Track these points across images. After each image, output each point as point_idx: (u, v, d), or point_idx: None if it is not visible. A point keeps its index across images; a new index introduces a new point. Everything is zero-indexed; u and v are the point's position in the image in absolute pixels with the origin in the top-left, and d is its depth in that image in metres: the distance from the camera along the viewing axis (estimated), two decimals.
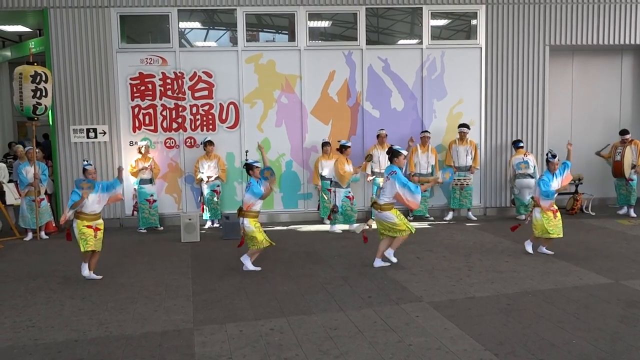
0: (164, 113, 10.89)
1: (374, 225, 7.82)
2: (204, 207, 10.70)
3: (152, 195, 10.48)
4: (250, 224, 7.31)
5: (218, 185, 10.71)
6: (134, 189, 10.53)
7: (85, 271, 7.13)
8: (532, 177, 10.43)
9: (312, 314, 5.82)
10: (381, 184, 10.32)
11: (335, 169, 9.84)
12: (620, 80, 12.37)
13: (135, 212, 10.56)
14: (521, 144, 10.86)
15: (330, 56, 11.11)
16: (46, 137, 15.02)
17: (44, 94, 9.74)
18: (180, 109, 10.90)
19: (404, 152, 7.52)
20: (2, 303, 6.38)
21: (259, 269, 7.42)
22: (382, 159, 10.63)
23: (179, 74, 10.84)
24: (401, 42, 11.94)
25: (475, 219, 11.09)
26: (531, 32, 11.34)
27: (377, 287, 6.72)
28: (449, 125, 11.28)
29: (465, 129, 10.92)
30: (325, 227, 10.58)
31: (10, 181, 10.51)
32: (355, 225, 9.93)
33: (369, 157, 10.61)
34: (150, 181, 10.48)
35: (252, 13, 11.05)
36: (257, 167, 7.40)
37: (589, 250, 8.38)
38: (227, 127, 11.03)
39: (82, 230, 6.98)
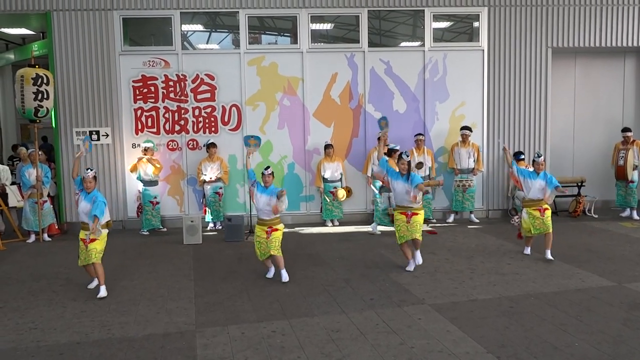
0: (166, 115, 10.91)
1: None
2: (206, 209, 10.71)
3: (155, 197, 10.50)
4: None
5: (220, 188, 10.72)
6: (138, 190, 10.54)
7: (92, 284, 6.97)
8: None
9: (314, 316, 5.82)
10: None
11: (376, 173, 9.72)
12: (622, 82, 12.35)
13: (139, 214, 10.58)
14: (522, 156, 10.79)
15: (332, 58, 11.12)
16: (45, 139, 15.03)
17: (45, 96, 9.76)
18: (183, 111, 10.92)
19: (404, 157, 7.50)
20: (5, 305, 6.39)
21: (270, 275, 7.35)
22: None
23: (181, 77, 10.86)
24: (403, 44, 11.94)
25: (477, 221, 11.08)
26: (533, 34, 11.34)
27: (379, 289, 6.72)
28: (451, 128, 11.27)
29: (467, 132, 10.92)
30: (327, 229, 10.59)
31: (13, 183, 10.53)
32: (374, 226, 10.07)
33: (420, 165, 10.56)
34: (155, 183, 10.49)
35: (254, 15, 11.07)
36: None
37: (591, 252, 8.36)
38: (230, 130, 11.04)
39: (80, 243, 6.78)
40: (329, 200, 10.82)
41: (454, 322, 5.55)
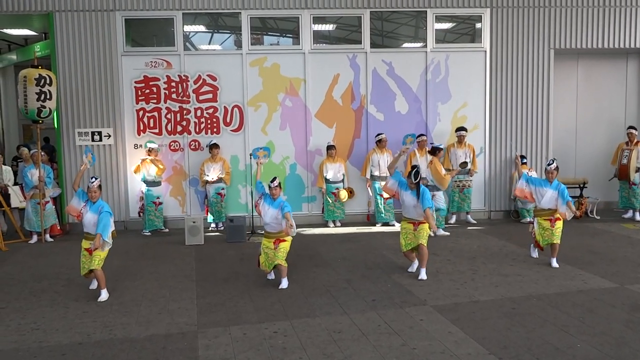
0: (168, 116, 10.92)
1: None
2: (208, 209, 10.71)
3: (158, 198, 10.52)
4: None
5: (223, 188, 10.72)
6: (141, 190, 10.55)
7: (92, 285, 6.97)
8: None
9: (316, 317, 5.82)
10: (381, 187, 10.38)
11: (435, 173, 9.63)
12: (625, 83, 12.33)
13: (141, 214, 10.59)
14: (525, 160, 10.79)
15: (334, 59, 11.12)
16: (47, 140, 15.06)
17: (48, 96, 9.77)
18: (185, 112, 10.93)
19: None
20: (7, 305, 6.40)
21: (271, 277, 7.32)
22: (382, 163, 10.64)
23: (183, 77, 10.87)
24: (405, 45, 11.94)
25: (474, 222, 11.07)
26: (536, 35, 11.33)
27: (380, 290, 6.71)
28: (453, 129, 11.24)
29: (463, 132, 10.91)
30: (329, 229, 10.59)
31: (15, 184, 10.54)
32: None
33: (464, 164, 10.55)
34: (158, 183, 10.50)
35: (256, 16, 11.07)
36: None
37: (593, 254, 8.35)
38: (232, 130, 11.04)
39: (82, 253, 6.72)
40: (331, 201, 10.82)
41: (455, 324, 5.54)
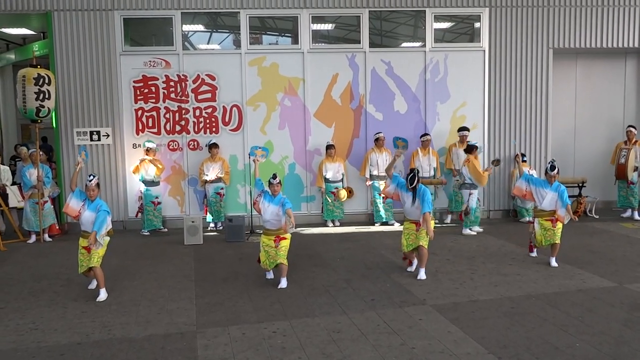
0: (167, 116, 10.91)
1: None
2: (207, 209, 10.70)
3: (157, 198, 10.51)
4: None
5: (222, 188, 10.72)
6: (140, 190, 10.54)
7: (91, 285, 6.96)
8: None
9: (315, 317, 5.81)
10: (381, 187, 10.38)
11: (473, 171, 9.63)
12: (624, 83, 12.34)
13: (139, 214, 10.58)
14: (525, 159, 10.79)
15: (333, 59, 11.12)
16: (44, 140, 15.02)
17: (47, 96, 9.76)
18: (184, 111, 10.92)
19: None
20: (6, 305, 6.39)
21: (270, 276, 7.32)
22: (380, 162, 10.64)
23: (182, 77, 10.86)
24: (404, 45, 11.94)
25: None
26: (535, 35, 11.34)
27: (380, 290, 6.71)
28: (452, 128, 11.25)
29: (466, 132, 10.91)
30: (328, 229, 10.59)
31: (13, 183, 10.53)
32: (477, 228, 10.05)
33: (497, 162, 10.55)
34: (157, 183, 10.49)
35: (255, 16, 11.06)
36: None
37: (592, 253, 8.35)
38: (230, 130, 11.03)
39: (80, 251, 6.69)
40: (330, 201, 10.81)
41: (455, 323, 5.54)
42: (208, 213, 10.70)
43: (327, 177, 10.77)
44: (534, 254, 8.13)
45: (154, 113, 10.88)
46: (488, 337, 5.18)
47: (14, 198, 10.26)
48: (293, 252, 8.34)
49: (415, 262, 7.49)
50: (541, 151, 11.50)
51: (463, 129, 10.94)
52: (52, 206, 10.35)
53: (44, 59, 11.07)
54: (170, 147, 10.95)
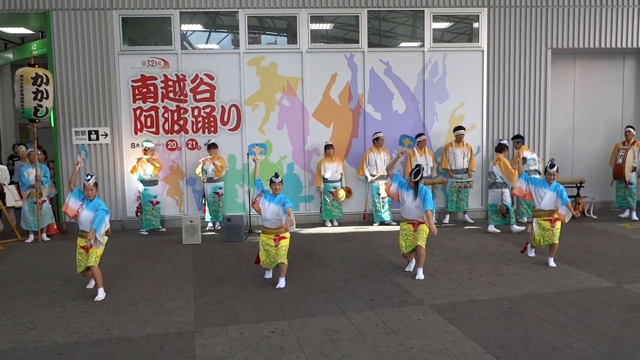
0: (165, 115, 10.90)
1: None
2: (206, 209, 10.70)
3: (155, 197, 10.50)
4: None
5: (220, 188, 10.71)
6: (138, 190, 10.53)
7: (89, 285, 6.96)
8: (539, 173, 10.32)
9: (313, 317, 5.81)
10: (381, 187, 10.39)
11: (504, 169, 9.66)
12: (622, 83, 12.35)
13: (138, 214, 10.57)
14: (521, 140, 10.83)
15: (332, 59, 11.12)
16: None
17: (45, 96, 9.74)
18: (182, 111, 10.91)
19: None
20: (4, 305, 6.38)
21: (269, 276, 7.30)
22: (379, 162, 10.64)
23: (180, 76, 10.85)
24: (403, 44, 11.94)
25: (472, 221, 11.08)
26: (533, 35, 11.34)
27: (378, 289, 6.71)
28: (451, 128, 11.25)
29: (462, 131, 10.92)
30: (327, 229, 10.59)
31: (11, 183, 10.51)
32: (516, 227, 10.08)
33: (524, 160, 10.57)
34: (155, 183, 10.49)
35: (253, 15, 11.06)
36: None
37: (590, 253, 8.36)
38: (229, 130, 11.03)
39: (78, 251, 6.67)
40: (328, 201, 10.81)
41: (453, 323, 5.55)
42: (206, 213, 10.69)
43: (326, 176, 10.77)
44: (532, 254, 8.13)
45: (153, 112, 10.87)
46: (486, 337, 5.19)
47: (12, 197, 10.25)
48: (291, 252, 8.33)
49: (411, 262, 7.48)
50: (540, 151, 11.50)
51: (459, 128, 10.95)
52: (50, 206, 10.34)
53: (42, 58, 11.05)
54: (169, 146, 10.94)
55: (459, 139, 10.93)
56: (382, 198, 10.70)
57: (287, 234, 7.00)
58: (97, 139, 10.77)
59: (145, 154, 10.39)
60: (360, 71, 11.15)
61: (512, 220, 10.02)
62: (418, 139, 10.91)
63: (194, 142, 10.97)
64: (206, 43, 11.61)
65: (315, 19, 11.14)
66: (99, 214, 6.48)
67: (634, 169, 10.95)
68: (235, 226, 9.69)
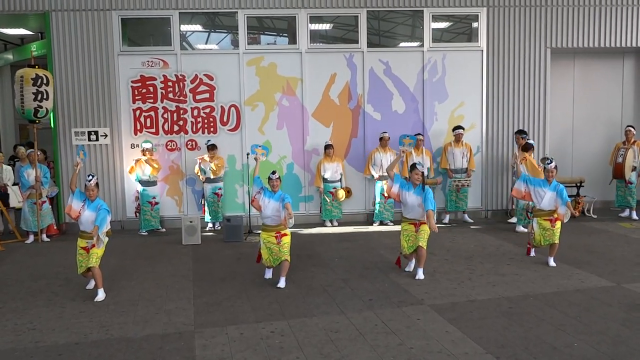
0: (165, 116, 10.90)
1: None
2: (205, 209, 10.70)
3: (154, 198, 10.49)
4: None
5: (219, 188, 10.71)
6: (137, 190, 10.53)
7: (89, 285, 6.96)
8: None
9: (313, 317, 5.81)
10: (384, 187, 10.38)
11: (532, 168, 9.54)
12: (621, 83, 12.36)
13: (137, 214, 10.57)
14: (525, 135, 10.70)
15: (331, 59, 11.12)
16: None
17: (45, 96, 9.75)
18: (182, 111, 10.91)
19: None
20: (4, 305, 6.38)
21: (268, 276, 7.30)
22: (384, 162, 10.64)
23: (180, 77, 10.85)
24: (402, 44, 11.94)
25: (471, 221, 11.08)
26: (532, 34, 11.35)
27: (378, 289, 6.71)
28: (450, 128, 11.25)
29: (461, 131, 10.93)
30: (327, 229, 10.59)
31: (14, 184, 10.51)
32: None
33: (545, 159, 10.55)
34: (153, 183, 10.49)
35: (253, 16, 11.06)
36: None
37: (590, 253, 8.36)
38: (229, 130, 11.03)
39: (78, 252, 6.67)
40: (328, 201, 10.82)
41: (453, 323, 5.54)
42: (206, 213, 10.69)
43: (326, 177, 10.77)
44: (532, 254, 8.13)
45: (152, 113, 10.87)
46: (486, 337, 5.19)
47: (15, 198, 10.25)
48: (291, 252, 8.33)
49: (413, 261, 7.48)
50: (539, 151, 11.50)
51: (458, 127, 10.96)
52: (50, 206, 10.34)
53: (41, 59, 11.05)
54: (169, 147, 10.94)
55: (457, 139, 10.93)
56: (385, 199, 10.70)
57: (288, 232, 7.00)
58: (97, 139, 10.77)
59: (144, 155, 10.39)
60: (360, 71, 11.15)
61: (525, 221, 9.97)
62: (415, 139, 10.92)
63: (193, 143, 10.97)
64: (205, 43, 11.62)
65: (314, 19, 11.14)
66: (101, 213, 6.50)
67: (634, 169, 10.94)
68: (235, 226, 9.69)
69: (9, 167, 10.59)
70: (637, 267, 7.52)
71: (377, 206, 10.90)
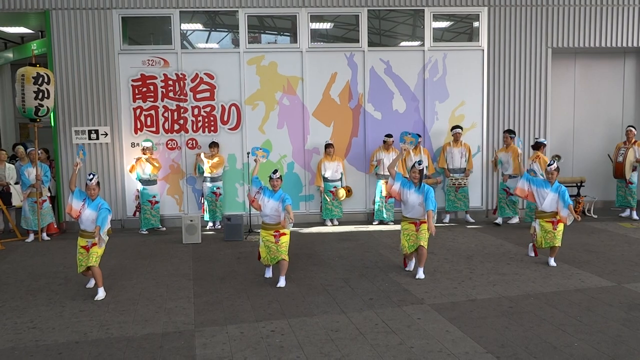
0: (165, 114, 10.90)
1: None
2: (205, 208, 10.70)
3: (154, 197, 10.49)
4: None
5: (218, 187, 10.71)
6: (137, 189, 10.53)
7: (89, 284, 6.97)
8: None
9: (313, 316, 5.81)
10: (384, 187, 10.38)
11: (544, 165, 9.42)
12: (622, 82, 12.35)
13: (137, 213, 10.57)
14: (513, 136, 10.61)
15: (332, 58, 11.11)
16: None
17: (46, 95, 9.74)
18: (182, 110, 10.91)
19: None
20: (4, 304, 6.38)
21: (269, 275, 7.30)
22: (386, 162, 10.63)
23: (180, 76, 10.85)
24: (403, 44, 11.94)
25: (473, 221, 11.07)
26: (533, 34, 11.33)
27: (378, 289, 6.71)
28: (451, 127, 11.24)
29: (459, 130, 10.92)
30: (327, 228, 10.59)
31: (16, 183, 10.51)
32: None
33: (558, 157, 10.53)
34: (154, 182, 10.49)
35: (254, 15, 11.06)
36: None
37: (591, 253, 8.36)
38: (229, 129, 11.03)
39: (79, 251, 6.66)
40: (329, 200, 10.81)
41: (453, 322, 5.54)
42: (205, 212, 10.69)
43: (326, 176, 10.76)
44: (533, 254, 8.12)
45: (153, 112, 10.87)
46: (486, 336, 5.18)
47: (17, 197, 10.25)
48: (291, 252, 8.33)
49: (413, 260, 7.47)
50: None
51: (456, 127, 10.95)
52: (51, 205, 10.34)
53: (42, 57, 11.05)
54: (169, 146, 10.94)
55: (456, 138, 10.93)
56: (386, 198, 10.70)
57: (287, 231, 7.00)
58: (97, 138, 10.77)
59: (144, 154, 10.39)
60: (361, 70, 11.14)
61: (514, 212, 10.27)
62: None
63: (194, 142, 10.96)
64: (206, 42, 11.61)
65: (315, 18, 11.13)
66: (102, 212, 6.51)
67: (634, 169, 10.94)
68: (235, 225, 9.69)
69: (12, 166, 10.59)
70: (637, 267, 7.52)
71: (376, 205, 10.90)
